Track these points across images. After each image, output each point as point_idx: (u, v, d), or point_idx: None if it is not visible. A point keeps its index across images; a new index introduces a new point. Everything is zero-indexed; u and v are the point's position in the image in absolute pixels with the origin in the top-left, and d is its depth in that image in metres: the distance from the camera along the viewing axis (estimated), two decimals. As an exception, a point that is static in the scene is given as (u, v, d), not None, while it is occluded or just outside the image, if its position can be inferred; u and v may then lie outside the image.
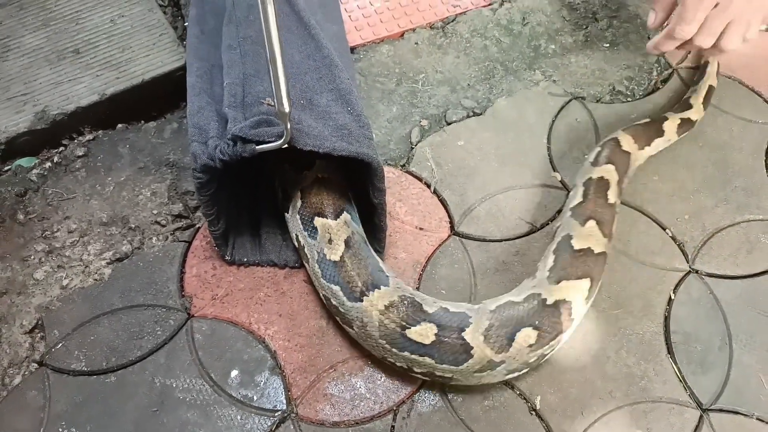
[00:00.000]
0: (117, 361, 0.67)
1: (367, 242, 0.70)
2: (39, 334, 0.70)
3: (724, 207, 0.77)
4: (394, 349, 0.62)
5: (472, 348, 0.60)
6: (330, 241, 0.66)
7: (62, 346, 0.69)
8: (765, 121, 0.84)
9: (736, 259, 0.73)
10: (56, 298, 0.72)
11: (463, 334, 0.61)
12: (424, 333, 0.61)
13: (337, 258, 0.65)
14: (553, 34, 0.93)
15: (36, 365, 0.68)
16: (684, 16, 0.70)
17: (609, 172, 0.73)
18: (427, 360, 0.61)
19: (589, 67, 0.90)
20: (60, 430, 0.64)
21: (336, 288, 0.65)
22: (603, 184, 0.72)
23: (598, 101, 0.86)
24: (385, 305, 0.62)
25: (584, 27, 0.94)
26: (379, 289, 0.64)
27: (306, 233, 0.68)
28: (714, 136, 0.83)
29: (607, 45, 0.92)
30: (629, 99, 0.87)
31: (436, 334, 0.61)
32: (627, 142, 0.76)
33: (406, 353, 0.61)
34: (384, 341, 0.62)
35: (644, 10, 0.96)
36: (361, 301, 0.63)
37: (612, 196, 0.71)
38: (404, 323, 0.62)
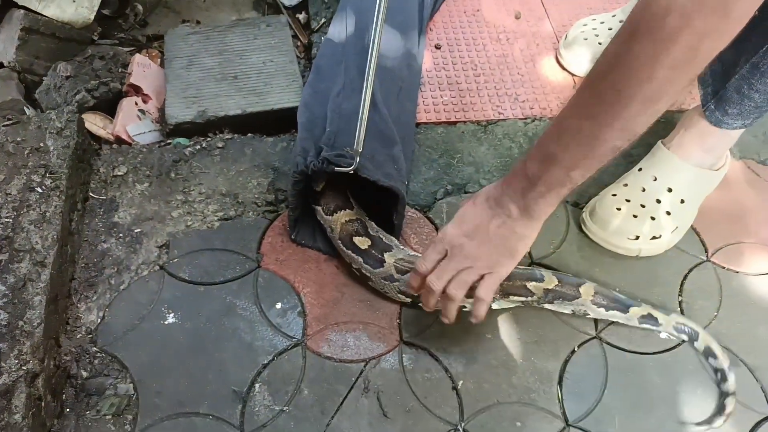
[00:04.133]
0: (207, 279, 1.05)
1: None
2: (165, 250, 1.09)
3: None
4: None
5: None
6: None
7: (177, 260, 1.07)
8: (693, 254, 1.13)
9: (631, 339, 1.02)
10: (181, 231, 1.12)
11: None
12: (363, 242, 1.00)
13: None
14: (561, 151, 1.27)
15: (158, 268, 1.07)
16: (425, 255, 0.89)
17: None
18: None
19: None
20: (162, 309, 1.02)
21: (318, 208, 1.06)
22: None
23: (576, 206, 1.18)
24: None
25: (587, 152, 1.27)
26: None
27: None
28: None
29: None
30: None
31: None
32: None
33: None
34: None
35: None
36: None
37: None
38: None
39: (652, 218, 1.09)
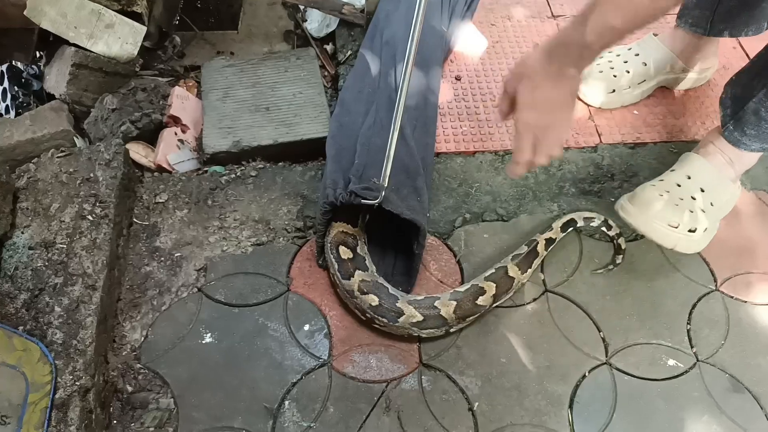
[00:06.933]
0: (241, 301, 1.14)
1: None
2: (203, 273, 1.18)
3: (646, 331, 1.12)
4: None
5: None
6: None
7: (214, 283, 1.16)
8: (702, 283, 1.18)
9: (639, 365, 1.08)
10: (217, 255, 1.20)
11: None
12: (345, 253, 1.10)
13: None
14: (576, 181, 1.33)
15: (196, 290, 1.16)
16: (518, 145, 0.95)
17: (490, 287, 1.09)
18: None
19: (594, 210, 1.27)
20: (200, 329, 1.11)
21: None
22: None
23: (590, 237, 1.24)
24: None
25: (601, 182, 1.33)
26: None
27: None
28: (661, 283, 1.18)
29: (613, 199, 1.30)
30: (606, 239, 1.24)
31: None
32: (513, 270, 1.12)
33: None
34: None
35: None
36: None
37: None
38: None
39: (690, 211, 1.13)
